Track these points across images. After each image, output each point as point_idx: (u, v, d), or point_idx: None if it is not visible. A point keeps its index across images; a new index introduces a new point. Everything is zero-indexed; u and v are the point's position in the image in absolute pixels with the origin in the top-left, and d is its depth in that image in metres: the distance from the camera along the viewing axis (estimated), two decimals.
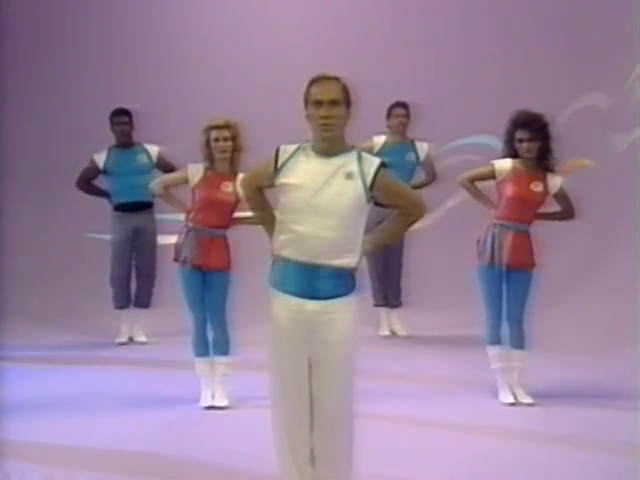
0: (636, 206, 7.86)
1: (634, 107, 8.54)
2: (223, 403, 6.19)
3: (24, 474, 4.89)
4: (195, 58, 10.10)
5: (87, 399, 6.44)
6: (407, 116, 8.31)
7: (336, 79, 3.93)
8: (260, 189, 4.16)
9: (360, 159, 3.91)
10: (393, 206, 4.04)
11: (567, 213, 6.43)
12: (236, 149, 6.17)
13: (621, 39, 8.72)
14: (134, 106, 8.27)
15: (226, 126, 6.11)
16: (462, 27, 9.87)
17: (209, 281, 6.18)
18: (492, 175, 6.35)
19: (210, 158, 6.17)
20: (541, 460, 5.23)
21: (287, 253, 3.88)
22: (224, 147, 6.12)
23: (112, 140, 8.22)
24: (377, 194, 3.90)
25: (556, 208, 6.44)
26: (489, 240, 6.29)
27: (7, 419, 5.79)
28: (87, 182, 8.26)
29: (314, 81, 3.93)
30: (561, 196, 6.36)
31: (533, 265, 6.29)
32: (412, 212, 4.05)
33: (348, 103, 3.92)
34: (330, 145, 3.89)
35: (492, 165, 6.36)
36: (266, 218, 4.17)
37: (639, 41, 8.02)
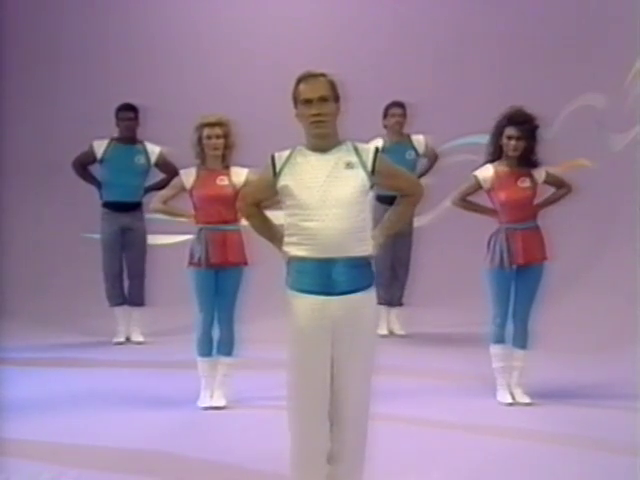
0: (634, 206, 7.86)
1: (631, 107, 8.54)
2: (221, 403, 6.18)
3: (22, 473, 4.88)
4: (193, 56, 10.11)
5: (85, 399, 6.43)
6: (404, 115, 8.41)
7: (323, 75, 3.95)
8: (258, 205, 4.16)
9: (356, 149, 3.96)
10: (393, 189, 4.11)
11: (563, 189, 6.44)
12: (227, 146, 6.17)
13: (619, 39, 8.73)
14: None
15: (218, 123, 6.12)
16: (460, 26, 9.87)
17: (222, 279, 6.15)
18: (479, 185, 6.37)
19: (202, 155, 6.19)
20: (538, 459, 5.23)
21: (302, 252, 3.88)
22: (216, 144, 6.13)
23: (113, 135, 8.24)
24: (378, 179, 3.95)
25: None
26: (498, 244, 6.28)
27: (5, 420, 5.78)
28: (82, 166, 8.28)
29: (301, 80, 3.95)
30: (551, 180, 6.40)
31: (544, 259, 6.31)
32: (412, 192, 4.12)
33: (337, 98, 3.95)
34: (324, 141, 3.93)
35: (475, 176, 6.37)
36: (272, 233, 4.15)
37: (637, 42, 8.02)
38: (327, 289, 3.87)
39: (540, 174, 6.33)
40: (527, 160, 6.28)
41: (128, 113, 8.19)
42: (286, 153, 3.98)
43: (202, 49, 10.16)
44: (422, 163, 8.48)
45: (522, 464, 5.16)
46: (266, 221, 4.20)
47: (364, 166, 3.91)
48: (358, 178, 3.89)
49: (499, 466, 5.13)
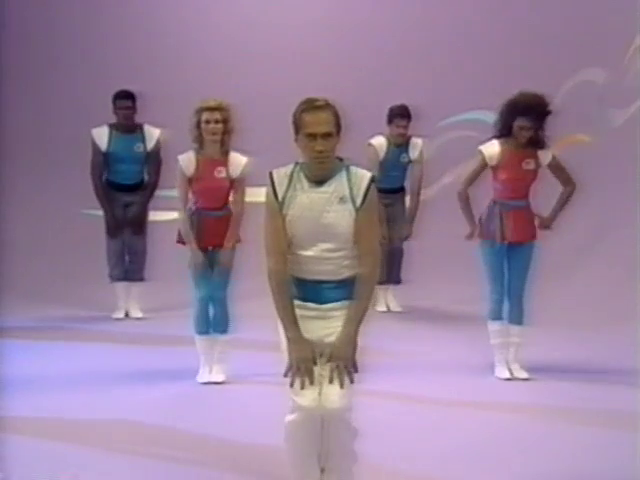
0: (635, 181, 7.86)
1: (632, 82, 8.52)
2: (220, 378, 6.20)
3: (22, 449, 4.90)
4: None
5: (85, 374, 6.46)
6: (408, 126, 8.23)
7: (327, 106, 3.83)
8: (285, 257, 3.93)
9: (349, 179, 3.89)
10: (356, 236, 3.89)
11: (569, 186, 6.42)
12: (226, 131, 6.10)
13: (619, 14, 8.69)
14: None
15: (218, 108, 6.05)
16: (461, 2, 9.81)
17: (214, 259, 6.17)
18: (484, 162, 6.31)
19: (200, 140, 6.12)
20: (536, 434, 5.25)
21: (293, 271, 3.94)
22: (215, 129, 6.06)
23: (111, 120, 8.20)
24: (360, 213, 3.86)
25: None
26: (490, 218, 6.30)
27: (5, 394, 5.80)
28: (100, 175, 8.20)
29: (305, 109, 3.82)
30: (555, 166, 6.36)
31: (534, 237, 6.31)
32: (367, 253, 3.92)
33: (339, 130, 3.86)
34: (323, 173, 3.88)
35: (481, 153, 6.32)
36: (293, 314, 4.03)
37: (637, 17, 7.99)
38: (316, 300, 3.95)
39: (547, 156, 6.29)
40: (534, 141, 6.23)
41: (126, 102, 8.12)
42: (286, 178, 3.89)
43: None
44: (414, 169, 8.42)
45: (520, 439, 5.19)
46: (291, 297, 3.95)
47: (354, 200, 3.85)
48: (350, 213, 3.86)
49: (497, 441, 5.16)
